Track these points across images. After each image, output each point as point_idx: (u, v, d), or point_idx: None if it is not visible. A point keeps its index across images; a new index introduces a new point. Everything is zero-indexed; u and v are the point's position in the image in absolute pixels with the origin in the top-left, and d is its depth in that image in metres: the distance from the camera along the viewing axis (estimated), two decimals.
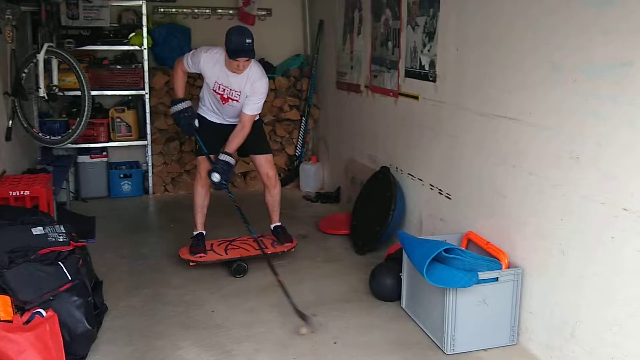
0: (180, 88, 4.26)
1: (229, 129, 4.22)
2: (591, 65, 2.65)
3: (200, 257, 4.18)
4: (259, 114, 4.25)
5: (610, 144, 2.59)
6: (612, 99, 2.56)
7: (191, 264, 4.14)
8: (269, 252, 4.23)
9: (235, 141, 4.10)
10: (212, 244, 4.35)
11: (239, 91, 4.04)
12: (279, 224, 4.50)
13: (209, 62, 4.02)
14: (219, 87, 4.06)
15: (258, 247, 4.16)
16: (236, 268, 4.13)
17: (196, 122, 4.19)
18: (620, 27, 2.49)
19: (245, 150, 4.34)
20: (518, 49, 3.14)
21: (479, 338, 3.18)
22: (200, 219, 4.34)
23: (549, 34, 2.89)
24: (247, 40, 3.80)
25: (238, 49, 3.80)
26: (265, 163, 4.35)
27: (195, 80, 5.75)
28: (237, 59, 3.84)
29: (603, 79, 2.60)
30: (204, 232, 4.34)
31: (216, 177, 4.00)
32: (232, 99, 4.08)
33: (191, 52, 4.19)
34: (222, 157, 4.05)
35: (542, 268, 3.04)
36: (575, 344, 2.83)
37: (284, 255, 4.41)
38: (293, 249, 4.44)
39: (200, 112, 4.30)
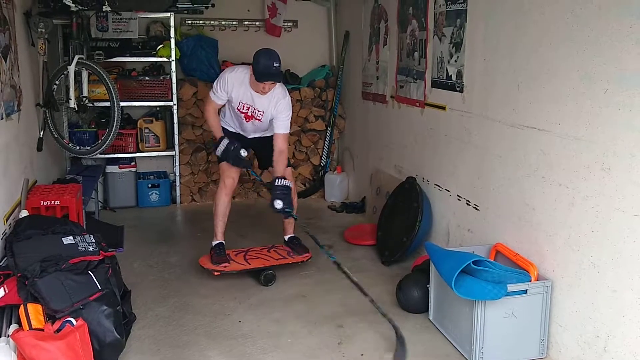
0: (218, 129, 4.24)
1: (249, 139, 4.33)
2: (624, 75, 2.62)
3: (225, 266, 4.18)
4: None
5: None
6: None
7: (215, 273, 4.14)
8: (287, 262, 4.28)
9: (280, 165, 4.14)
10: (228, 254, 4.34)
11: (262, 111, 4.11)
12: (293, 235, 4.51)
13: (235, 82, 4.06)
14: (244, 106, 4.12)
15: (279, 257, 4.21)
16: (266, 277, 4.14)
17: (243, 152, 4.12)
18: None
19: (266, 162, 4.38)
20: (548, 59, 3.11)
21: (507, 351, 3.14)
22: (220, 228, 4.34)
23: (581, 45, 2.86)
24: (275, 64, 3.86)
25: (266, 71, 3.86)
26: (286, 175, 4.33)
27: None
28: (264, 82, 3.90)
29: (636, 89, 2.56)
30: (224, 242, 4.35)
31: (279, 204, 3.97)
32: (256, 118, 4.16)
33: (214, 83, 4.17)
34: (280, 182, 4.03)
35: (573, 281, 3.00)
36: (609, 358, 2.77)
37: (307, 265, 4.40)
38: (309, 259, 4.40)
39: (221, 124, 4.35)
